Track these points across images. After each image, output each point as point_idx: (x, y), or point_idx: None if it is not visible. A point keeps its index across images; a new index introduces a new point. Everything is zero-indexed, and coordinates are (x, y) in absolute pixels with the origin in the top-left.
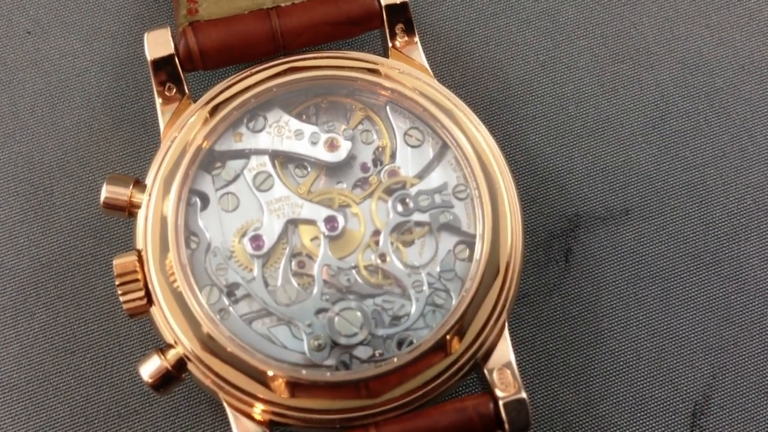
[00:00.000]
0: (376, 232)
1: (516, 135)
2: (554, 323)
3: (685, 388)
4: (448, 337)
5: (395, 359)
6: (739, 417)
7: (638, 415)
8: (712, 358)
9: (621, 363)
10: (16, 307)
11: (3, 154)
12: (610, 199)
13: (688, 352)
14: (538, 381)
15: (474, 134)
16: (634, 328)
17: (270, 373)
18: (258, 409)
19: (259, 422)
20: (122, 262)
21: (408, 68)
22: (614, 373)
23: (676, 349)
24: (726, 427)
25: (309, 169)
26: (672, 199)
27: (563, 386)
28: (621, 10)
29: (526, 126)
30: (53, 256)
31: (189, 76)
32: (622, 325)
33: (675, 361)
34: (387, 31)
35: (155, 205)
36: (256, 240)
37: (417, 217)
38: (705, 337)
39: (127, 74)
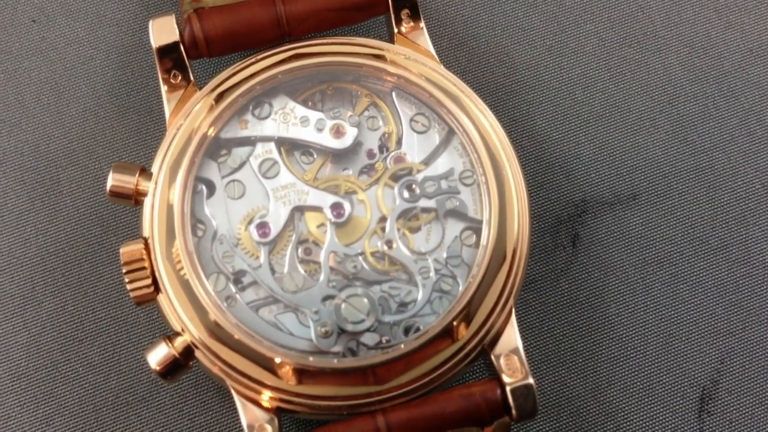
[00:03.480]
0: (383, 219)
1: (523, 120)
2: (561, 309)
3: (693, 373)
4: (455, 323)
5: (402, 346)
6: (748, 401)
7: (646, 400)
8: (720, 342)
9: (628, 348)
10: (24, 296)
11: (9, 144)
12: (617, 184)
13: (696, 337)
14: (545, 367)
15: (480, 120)
16: (642, 313)
17: (277, 360)
18: (266, 396)
19: (266, 409)
20: (129, 250)
21: (414, 54)
22: (622, 359)
23: (684, 334)
24: (734, 411)
25: (315, 156)
26: (680, 184)
27: (570, 372)
28: None
29: (533, 111)
30: (60, 245)
31: (194, 63)
32: (629, 310)
33: (683, 346)
34: (392, 16)
35: (161, 192)
36: (263, 227)
37: (423, 203)
38: (713, 322)
39: (132, 62)
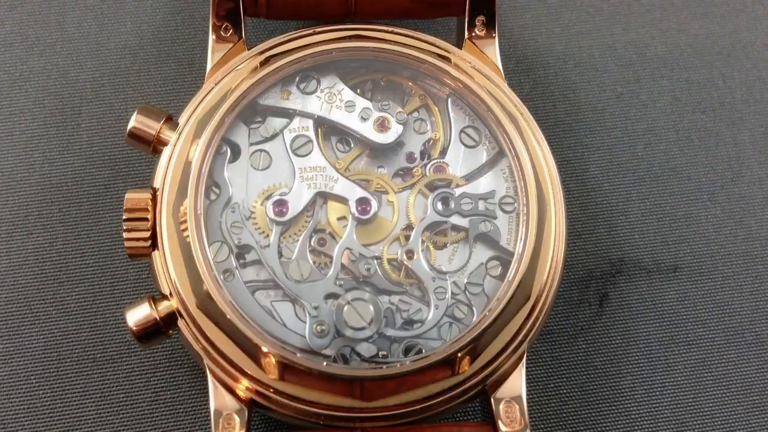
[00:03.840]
0: (409, 227)
1: (576, 162)
2: (574, 369)
3: None
4: (459, 354)
5: (398, 365)
6: None
7: None
8: None
9: (636, 427)
10: (14, 222)
11: (39, 63)
12: (660, 252)
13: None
14: (543, 425)
15: (535, 148)
16: (658, 393)
17: (264, 349)
18: (242, 385)
19: (239, 398)
20: (135, 197)
21: (480, 64)
22: None
23: (698, 426)
24: None
25: (352, 146)
26: (726, 267)
27: None
28: (713, 59)
29: (588, 156)
30: (65, 179)
31: (249, 21)
32: (645, 387)
33: None
34: (467, 19)
35: (182, 145)
36: (280, 205)
37: (455, 220)
38: (731, 420)
39: (184, 10)
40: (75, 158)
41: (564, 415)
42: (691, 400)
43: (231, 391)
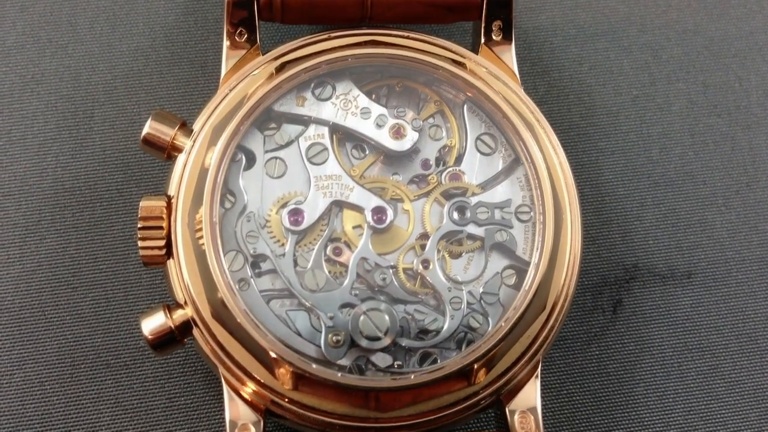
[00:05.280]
0: (424, 236)
1: (590, 167)
2: (587, 375)
3: None
4: (475, 365)
5: (413, 376)
6: None
7: None
8: None
9: None
10: (27, 227)
11: (51, 65)
12: (674, 258)
13: None
14: (555, 431)
15: (551, 156)
16: (670, 400)
17: (278, 358)
18: (257, 394)
19: (254, 408)
20: (149, 205)
21: (496, 70)
22: None
23: None
24: None
25: (367, 152)
26: (740, 273)
27: None
28: (729, 62)
29: (603, 160)
30: (77, 183)
31: (263, 25)
32: (658, 394)
33: None
34: (483, 24)
35: (198, 152)
36: (296, 214)
37: (471, 229)
38: (743, 428)
39: (197, 11)
40: (88, 162)
41: (577, 421)
42: (703, 407)
43: (246, 400)
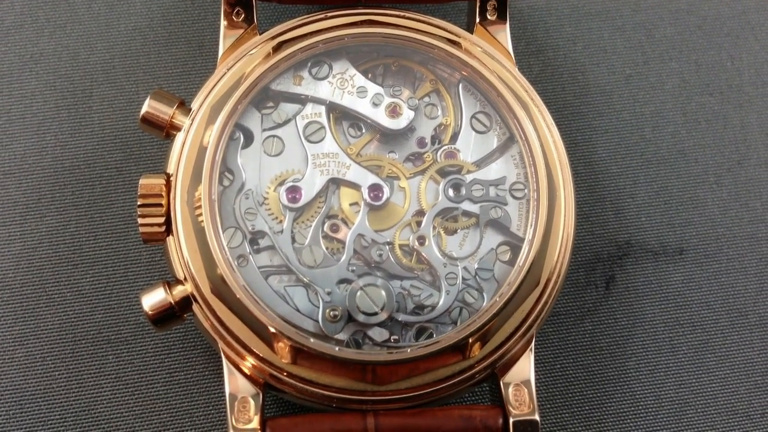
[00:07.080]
0: (420, 212)
1: (583, 145)
2: (579, 350)
3: None
4: (470, 339)
5: (409, 350)
6: None
7: None
8: (735, 423)
9: (640, 407)
10: (27, 205)
11: (49, 45)
12: (666, 234)
13: (713, 411)
14: (549, 405)
15: (545, 134)
16: (662, 374)
17: (277, 333)
18: (256, 368)
19: (254, 382)
20: (149, 182)
21: (491, 49)
22: (630, 416)
23: (700, 406)
24: None
25: (363, 131)
26: (731, 249)
27: (574, 417)
28: (722, 41)
29: (596, 138)
30: (77, 161)
31: (260, 5)
32: (649, 368)
33: (697, 418)
34: (478, 3)
35: (196, 131)
36: (293, 191)
37: (466, 206)
38: (733, 401)
39: None
40: (86, 141)
41: (569, 395)
42: (694, 381)
43: (245, 374)
